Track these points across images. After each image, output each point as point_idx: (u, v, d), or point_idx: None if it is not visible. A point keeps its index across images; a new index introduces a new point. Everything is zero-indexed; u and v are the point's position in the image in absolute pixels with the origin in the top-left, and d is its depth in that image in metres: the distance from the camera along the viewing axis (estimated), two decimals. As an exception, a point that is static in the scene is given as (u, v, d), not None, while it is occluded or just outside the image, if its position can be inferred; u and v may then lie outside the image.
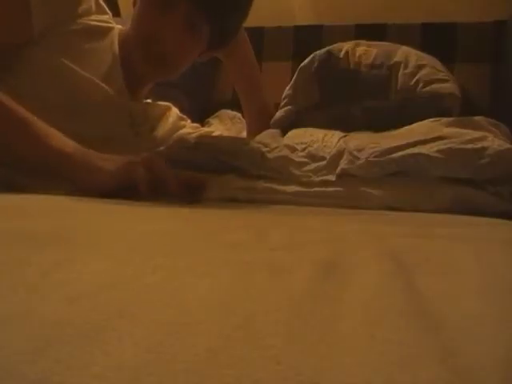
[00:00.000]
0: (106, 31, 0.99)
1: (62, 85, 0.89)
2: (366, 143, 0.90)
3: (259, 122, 1.19)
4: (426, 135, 0.89)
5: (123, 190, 0.70)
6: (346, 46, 1.19)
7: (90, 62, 0.94)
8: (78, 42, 0.93)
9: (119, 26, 1.03)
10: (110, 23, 1.01)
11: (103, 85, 0.94)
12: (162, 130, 1.14)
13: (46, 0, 0.87)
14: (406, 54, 1.16)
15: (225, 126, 1.35)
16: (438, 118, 0.98)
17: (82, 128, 0.82)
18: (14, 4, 0.85)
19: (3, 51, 0.86)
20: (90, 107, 0.92)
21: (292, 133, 1.06)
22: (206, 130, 1.26)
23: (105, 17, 1.00)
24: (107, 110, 0.95)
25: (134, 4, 0.99)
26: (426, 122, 0.98)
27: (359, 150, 0.89)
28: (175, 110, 1.21)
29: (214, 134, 1.20)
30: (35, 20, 0.86)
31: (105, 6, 1.01)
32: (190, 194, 0.76)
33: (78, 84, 0.91)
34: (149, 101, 1.17)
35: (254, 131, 1.16)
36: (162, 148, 1.02)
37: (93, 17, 0.96)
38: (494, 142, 0.84)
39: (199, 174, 0.87)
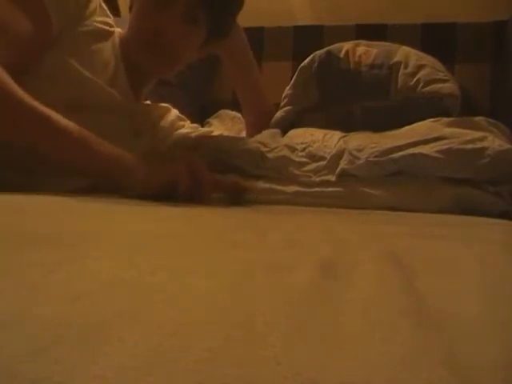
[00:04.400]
0: (109, 34, 0.99)
1: (68, 85, 0.89)
2: (366, 143, 0.90)
3: (258, 121, 1.19)
4: (426, 135, 0.89)
5: (163, 193, 0.73)
6: (346, 46, 1.19)
7: (97, 64, 0.94)
8: (85, 43, 0.93)
9: (119, 30, 1.03)
10: (112, 26, 1.01)
11: (109, 88, 0.95)
12: (162, 130, 1.14)
13: (59, 3, 0.87)
14: (406, 54, 1.16)
15: (225, 126, 1.35)
16: (437, 118, 0.98)
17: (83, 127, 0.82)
18: (34, 11, 0.84)
19: (28, 58, 0.85)
20: (92, 109, 0.92)
21: (292, 133, 1.06)
22: (205, 129, 1.26)
23: (107, 19, 1.00)
24: (109, 111, 0.95)
25: (131, 8, 1.00)
26: (426, 121, 0.98)
27: (359, 150, 0.89)
28: (175, 111, 1.21)
29: (213, 134, 1.20)
30: (54, 23, 0.86)
31: (107, 10, 1.01)
32: (229, 198, 0.82)
33: (85, 86, 0.91)
34: (148, 102, 1.17)
35: (253, 131, 1.15)
36: (161, 148, 1.02)
37: (98, 18, 0.96)
38: (494, 142, 0.84)
39: (238, 179, 0.89)
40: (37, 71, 0.87)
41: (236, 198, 0.83)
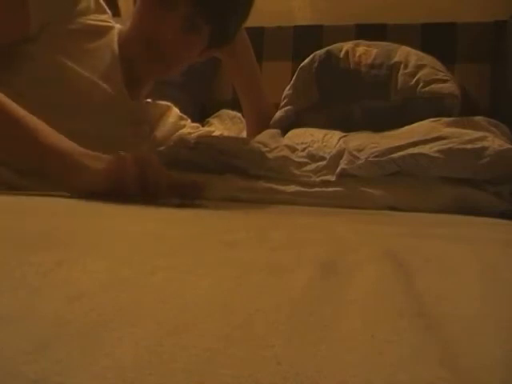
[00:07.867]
0: (105, 30, 0.99)
1: (61, 84, 0.89)
2: (366, 143, 0.90)
3: (259, 121, 1.19)
4: (426, 135, 0.89)
5: (112, 190, 0.66)
6: (345, 46, 1.19)
7: (89, 62, 0.94)
8: (76, 41, 0.92)
9: (118, 26, 1.03)
10: (109, 22, 1.01)
11: (103, 84, 0.94)
12: (162, 130, 1.14)
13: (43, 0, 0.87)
14: (406, 54, 1.16)
15: (225, 125, 1.35)
16: (437, 118, 0.98)
17: (82, 127, 0.82)
18: (10, 4, 0.85)
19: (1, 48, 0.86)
20: (89, 106, 0.92)
21: (292, 133, 1.06)
22: (206, 129, 1.26)
23: (104, 16, 1.00)
24: (106, 109, 0.95)
25: (135, 2, 0.99)
26: (426, 121, 0.98)
27: (359, 150, 0.89)
28: (175, 110, 1.21)
29: (214, 134, 1.20)
30: (33, 18, 0.86)
31: (104, 6, 1.01)
32: (182, 197, 0.72)
33: (78, 83, 0.91)
34: (149, 101, 1.17)
35: (253, 131, 1.16)
36: (162, 148, 1.02)
37: (91, 16, 0.96)
38: (493, 141, 0.84)
39: (197, 177, 0.84)
40: (26, 72, 0.87)
41: (190, 196, 0.73)
